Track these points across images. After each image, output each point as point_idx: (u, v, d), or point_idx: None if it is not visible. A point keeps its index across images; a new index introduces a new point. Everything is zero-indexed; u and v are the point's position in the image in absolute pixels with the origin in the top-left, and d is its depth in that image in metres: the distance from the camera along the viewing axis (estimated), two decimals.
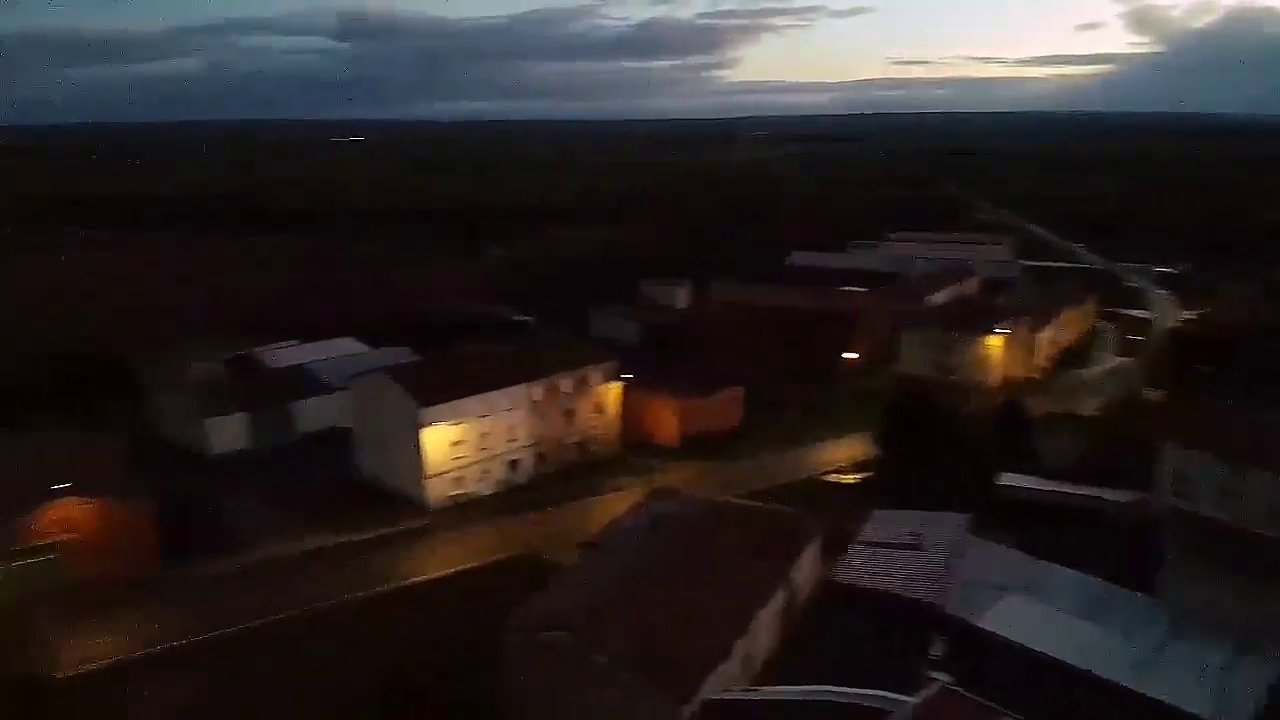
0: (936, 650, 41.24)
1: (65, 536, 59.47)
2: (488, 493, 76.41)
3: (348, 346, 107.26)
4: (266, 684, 49.31)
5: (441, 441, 73.39)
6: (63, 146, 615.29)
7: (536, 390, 79.68)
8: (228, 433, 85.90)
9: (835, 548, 53.64)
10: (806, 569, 52.16)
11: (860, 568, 50.31)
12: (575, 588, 47.11)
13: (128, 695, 48.15)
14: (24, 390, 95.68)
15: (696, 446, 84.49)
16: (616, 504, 68.59)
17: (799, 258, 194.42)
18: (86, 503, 60.15)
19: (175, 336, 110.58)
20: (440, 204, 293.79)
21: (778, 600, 48.08)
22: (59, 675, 49.90)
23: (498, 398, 76.92)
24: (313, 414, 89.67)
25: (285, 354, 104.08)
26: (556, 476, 79.56)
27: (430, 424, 72.49)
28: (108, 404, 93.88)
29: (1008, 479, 66.61)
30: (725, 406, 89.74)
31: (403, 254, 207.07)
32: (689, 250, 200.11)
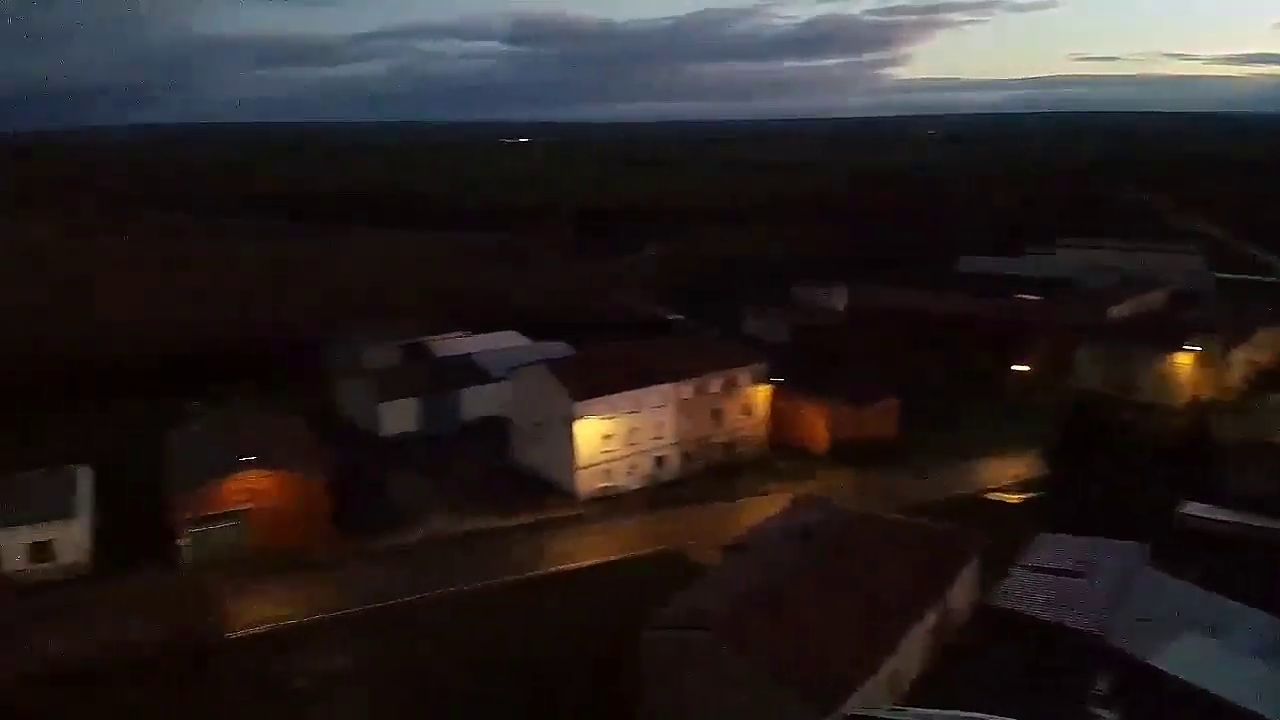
0: (1100, 686, 38.38)
1: (248, 505, 64.82)
2: (634, 487, 77.45)
3: (510, 339, 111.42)
4: (420, 657, 51.97)
5: (592, 435, 75.01)
6: (258, 144, 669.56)
7: (685, 389, 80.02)
8: (399, 416, 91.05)
9: (995, 570, 50.92)
10: (962, 590, 49.77)
11: (1021, 593, 47.52)
12: (718, 589, 46.90)
13: (291, 659, 51.89)
14: (223, 368, 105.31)
15: (848, 455, 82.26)
16: (762, 508, 67.83)
17: (968, 263, 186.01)
18: (268, 474, 65.24)
19: (355, 324, 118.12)
20: (600, 203, 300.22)
21: (930, 620, 46.13)
22: (230, 635, 54.29)
23: (647, 395, 77.81)
24: (476, 402, 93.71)
25: (453, 344, 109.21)
26: (702, 476, 79.62)
27: (582, 418, 74.22)
28: (296, 383, 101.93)
29: (1191, 508, 61.03)
30: (881, 415, 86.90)
31: (562, 251, 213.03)
32: (850, 252, 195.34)
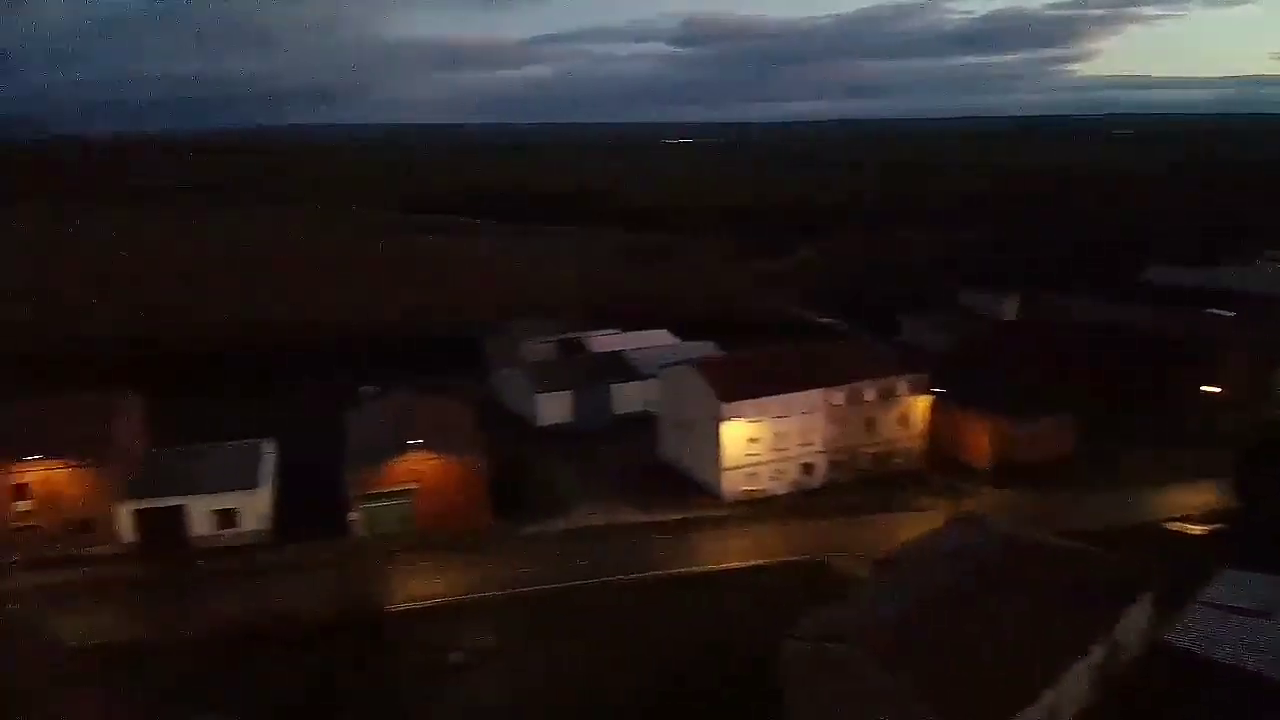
0: None
1: (414, 485, 68.64)
2: (780, 492, 76.54)
3: (661, 338, 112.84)
4: (563, 644, 53.48)
5: (739, 437, 74.71)
6: (435, 144, 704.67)
7: (837, 396, 78.29)
8: (554, 407, 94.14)
9: (1173, 606, 47.08)
10: (1134, 625, 46.29)
11: (1201, 632, 43.74)
12: (867, 604, 45.71)
13: (446, 633, 54.50)
14: (397, 354, 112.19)
15: (1013, 474, 78.01)
16: (915, 523, 65.60)
17: (1159, 273, 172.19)
18: (433, 457, 68.86)
19: (516, 317, 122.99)
20: (759, 203, 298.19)
21: (1096, 654, 43.19)
22: (390, 608, 57.54)
23: (797, 400, 76.70)
24: (627, 397, 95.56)
25: (607, 340, 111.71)
26: (851, 486, 77.68)
27: (729, 419, 74.07)
28: (461, 371, 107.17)
29: None
30: (1050, 432, 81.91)
31: (717, 251, 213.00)
32: (1024, 258, 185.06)
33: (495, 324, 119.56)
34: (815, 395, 77.40)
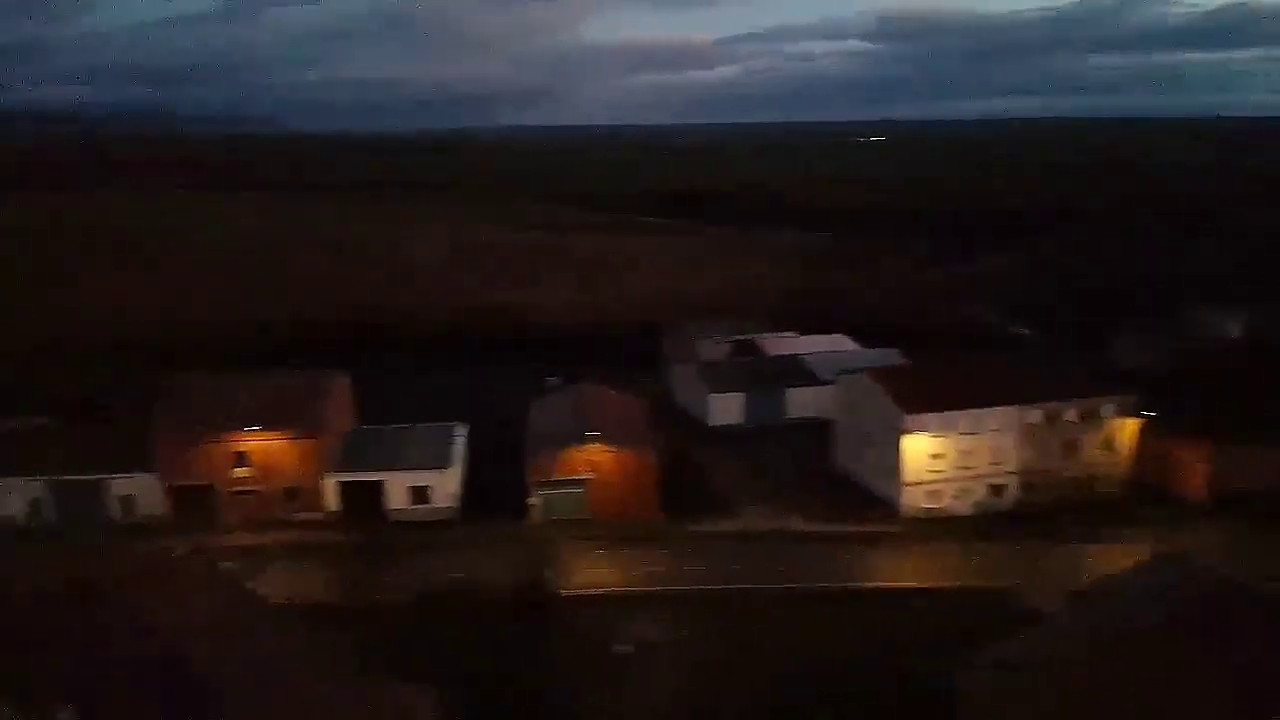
0: None
1: (589, 475, 70.44)
2: (964, 513, 72.53)
3: (839, 343, 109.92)
4: (727, 648, 53.06)
5: (920, 451, 71.43)
6: (628, 145, 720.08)
7: (1032, 414, 73.23)
8: (727, 408, 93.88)
9: None
10: None
11: None
12: (1057, 638, 42.45)
13: (613, 624, 55.44)
14: (581, 348, 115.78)
15: (1230, 507, 70.26)
16: (1115, 556, 60.25)
17: None
18: (609, 450, 70.40)
19: (694, 315, 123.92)
20: (951, 204, 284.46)
21: None
22: (563, 593, 59.20)
23: (986, 416, 72.39)
24: (801, 402, 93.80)
25: (783, 343, 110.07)
26: (1045, 512, 72.19)
27: (911, 432, 70.96)
28: (638, 367, 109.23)
29: None
30: (1276, 463, 73.05)
31: (905, 254, 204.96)
32: (1256, 270, 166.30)
33: (673, 322, 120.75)
34: (1009, 413, 72.79)
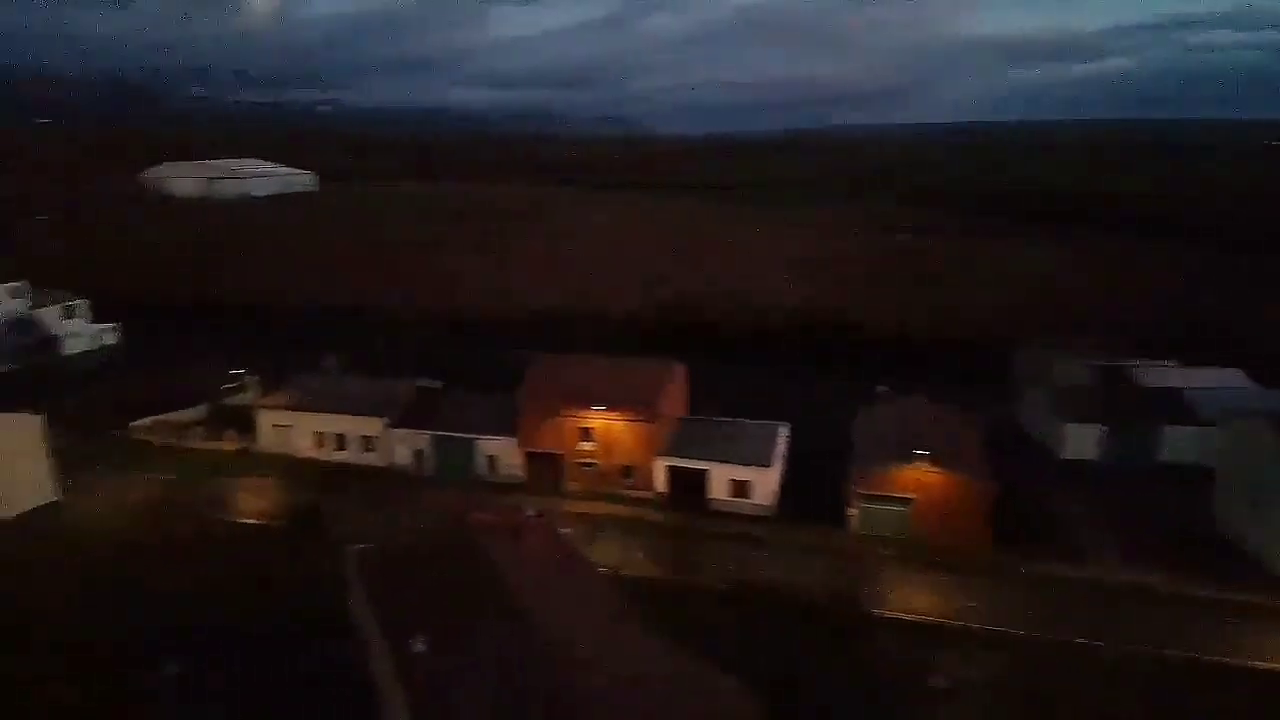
0: None
1: (913, 495, 67.43)
2: None
3: (1231, 378, 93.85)
4: (1059, 705, 48.13)
5: None
6: (1004, 142, 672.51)
7: None
8: (1084, 440, 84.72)
9: None
10: None
11: None
12: None
13: (929, 655, 52.57)
14: (916, 357, 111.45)
15: None
16: None
17: None
18: (936, 471, 66.81)
19: (1052, 334, 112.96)
20: None
21: None
22: (877, 613, 57.24)
23: None
24: (1179, 443, 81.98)
25: (1159, 374, 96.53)
26: None
27: None
28: (981, 385, 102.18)
29: None
30: None
31: None
32: None
33: (1025, 338, 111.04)
34: None
